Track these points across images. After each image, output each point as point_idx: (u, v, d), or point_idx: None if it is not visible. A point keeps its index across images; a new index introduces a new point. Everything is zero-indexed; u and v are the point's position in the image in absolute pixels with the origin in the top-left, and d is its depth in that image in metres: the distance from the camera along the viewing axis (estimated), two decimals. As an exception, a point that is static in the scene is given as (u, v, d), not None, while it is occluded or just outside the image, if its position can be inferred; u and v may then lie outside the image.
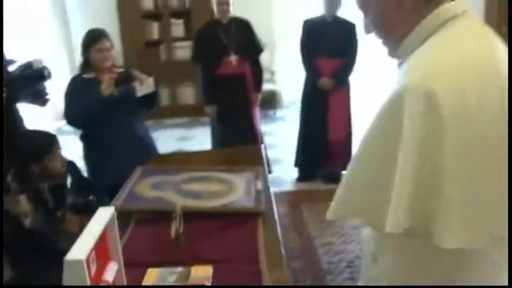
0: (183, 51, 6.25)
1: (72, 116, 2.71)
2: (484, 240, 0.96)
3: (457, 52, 0.97)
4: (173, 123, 6.12)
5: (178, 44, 6.28)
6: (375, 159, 1.00)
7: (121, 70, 2.83)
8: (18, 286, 1.93)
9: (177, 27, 6.26)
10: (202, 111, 6.08)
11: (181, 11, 6.19)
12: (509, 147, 0.96)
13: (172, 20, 6.21)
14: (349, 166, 1.06)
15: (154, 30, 6.24)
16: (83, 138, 2.88)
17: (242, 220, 1.80)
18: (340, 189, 1.08)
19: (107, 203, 2.71)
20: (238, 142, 3.71)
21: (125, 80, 2.75)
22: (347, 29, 3.96)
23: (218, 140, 4.08)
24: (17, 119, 2.83)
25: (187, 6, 6.16)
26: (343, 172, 4.15)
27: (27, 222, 2.02)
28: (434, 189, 0.92)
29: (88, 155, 2.87)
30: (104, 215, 1.11)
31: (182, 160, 2.65)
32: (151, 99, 2.81)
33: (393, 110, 0.95)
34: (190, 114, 6.29)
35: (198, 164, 2.45)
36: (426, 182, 0.92)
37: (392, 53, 1.13)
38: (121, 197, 1.96)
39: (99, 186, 2.80)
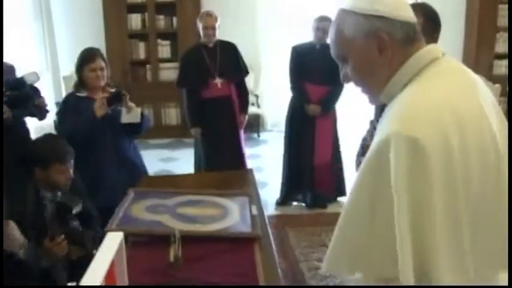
0: (169, 72, 6.27)
1: (65, 134, 2.69)
2: (469, 274, 0.99)
3: (437, 97, 1.02)
4: (157, 143, 6.09)
5: (164, 65, 6.29)
6: (364, 208, 1.01)
7: (114, 90, 2.84)
8: (19, 286, 1.89)
9: (164, 48, 6.28)
10: (187, 133, 6.17)
11: (168, 32, 6.23)
12: (509, 154, 1.04)
13: (159, 41, 6.24)
14: (341, 217, 1.07)
15: (141, 51, 6.26)
16: (75, 159, 2.85)
17: (239, 245, 1.82)
18: (334, 242, 1.09)
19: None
20: (224, 165, 3.74)
21: (116, 99, 2.75)
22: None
23: (203, 162, 4.08)
24: (27, 131, 2.83)
25: (174, 27, 6.20)
26: (330, 196, 4.24)
27: (21, 253, 1.97)
28: (425, 234, 0.95)
29: (76, 176, 2.83)
30: (113, 241, 1.11)
31: (173, 183, 2.65)
32: (134, 129, 2.83)
33: (380, 157, 0.99)
34: (174, 135, 6.28)
35: (190, 188, 2.45)
36: (418, 227, 0.95)
37: (373, 100, 1.18)
38: (116, 219, 1.95)
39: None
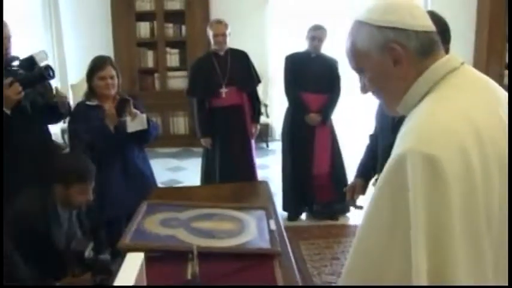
0: (177, 80, 6.23)
1: (83, 143, 2.65)
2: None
3: (454, 109, 0.97)
4: (165, 152, 6.03)
5: (172, 73, 6.26)
6: (382, 225, 0.97)
7: (128, 98, 2.78)
8: (18, 286, 1.84)
9: (172, 57, 6.25)
10: (195, 142, 6.12)
11: (177, 41, 6.20)
12: (509, 150, 0.97)
13: (168, 49, 6.20)
14: (358, 232, 1.03)
15: (149, 59, 6.22)
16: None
17: (258, 261, 1.75)
18: (350, 259, 1.05)
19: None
20: (234, 176, 3.67)
21: (121, 107, 2.69)
22: (330, 65, 3.99)
23: (214, 173, 4.01)
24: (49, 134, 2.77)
25: (183, 35, 6.18)
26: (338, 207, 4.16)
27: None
28: (443, 259, 0.89)
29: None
30: (134, 262, 1.05)
31: (185, 195, 2.59)
32: (142, 137, 2.77)
33: (396, 173, 0.95)
34: (183, 144, 6.23)
35: (203, 200, 2.39)
36: (436, 250, 0.89)
37: (391, 110, 1.14)
38: (129, 233, 1.88)
39: (96, 219, 2.72)
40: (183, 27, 6.16)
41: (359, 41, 1.08)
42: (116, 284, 0.98)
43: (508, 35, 5.56)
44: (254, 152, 4.11)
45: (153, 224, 1.99)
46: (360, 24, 1.09)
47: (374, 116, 2.33)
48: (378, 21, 1.05)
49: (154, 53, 6.21)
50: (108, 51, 5.91)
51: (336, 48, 4.42)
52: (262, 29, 6.33)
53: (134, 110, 2.66)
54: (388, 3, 1.08)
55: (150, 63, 6.24)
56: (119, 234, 2.69)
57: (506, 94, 1.10)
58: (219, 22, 3.83)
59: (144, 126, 2.69)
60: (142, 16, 6.10)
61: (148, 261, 1.74)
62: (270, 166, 5.57)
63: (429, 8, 6.34)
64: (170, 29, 6.18)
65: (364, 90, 1.15)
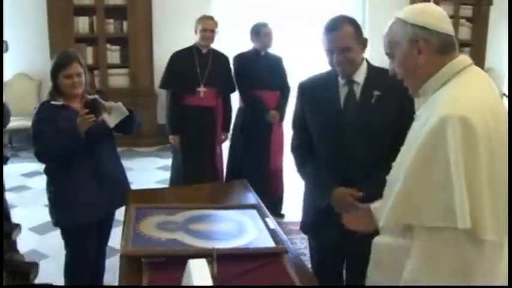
0: (119, 78, 6.02)
1: (44, 154, 2.43)
2: (505, 234, 1.27)
3: (474, 92, 1.31)
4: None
5: (113, 71, 6.02)
6: (428, 171, 1.25)
7: (93, 97, 2.61)
8: (17, 286, 1.69)
9: (113, 54, 6.02)
10: (139, 141, 5.95)
11: (118, 37, 5.97)
12: (509, 149, 1.28)
13: (108, 46, 5.95)
14: (405, 178, 1.29)
15: (89, 56, 5.92)
16: (50, 171, 2.59)
17: (268, 260, 1.73)
18: (395, 198, 1.32)
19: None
20: (199, 179, 3.54)
21: (94, 108, 2.52)
22: (277, 62, 4.04)
23: (178, 173, 3.91)
24: None
25: (124, 32, 5.95)
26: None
27: None
28: (475, 194, 1.20)
29: (55, 191, 2.58)
30: (200, 267, 1.00)
31: (166, 197, 2.51)
32: (128, 124, 2.55)
33: (437, 134, 1.23)
34: (126, 144, 6.00)
35: (186, 202, 2.32)
36: (470, 187, 1.20)
37: (413, 92, 1.44)
38: (128, 239, 1.79)
39: (67, 225, 2.56)
40: (125, 23, 5.95)
41: (395, 33, 1.40)
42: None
43: (508, 35, 5.89)
44: (221, 158, 4.05)
45: (150, 228, 1.91)
46: (398, 20, 1.40)
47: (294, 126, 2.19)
48: (411, 19, 1.38)
49: (94, 50, 5.93)
50: (44, 46, 5.59)
51: (280, 46, 4.52)
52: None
53: (107, 103, 2.49)
54: (420, 7, 1.41)
55: (90, 60, 5.93)
56: (93, 240, 2.59)
57: (497, 90, 1.41)
58: (209, 18, 3.75)
59: (125, 112, 2.49)
60: (81, 10, 5.81)
61: (153, 267, 1.69)
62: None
63: (367, 10, 6.64)
64: (111, 25, 5.95)
65: (392, 72, 1.46)
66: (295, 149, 2.14)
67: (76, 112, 2.45)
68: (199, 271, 0.99)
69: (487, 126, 1.23)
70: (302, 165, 2.09)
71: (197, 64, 3.76)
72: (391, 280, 1.37)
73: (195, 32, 3.78)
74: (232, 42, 6.17)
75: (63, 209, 2.55)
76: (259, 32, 3.90)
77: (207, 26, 3.71)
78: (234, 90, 4.01)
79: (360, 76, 1.92)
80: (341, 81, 1.95)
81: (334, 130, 1.94)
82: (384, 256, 1.44)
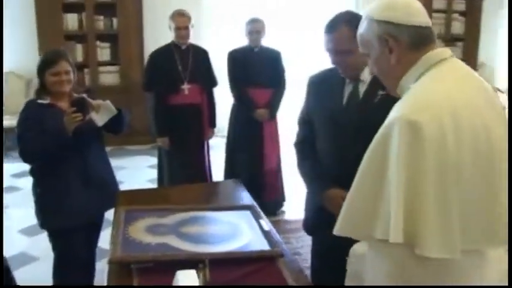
0: (110, 76, 5.93)
1: (29, 154, 2.36)
2: (457, 252, 1.12)
3: (437, 89, 1.19)
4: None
5: (104, 68, 5.93)
6: (370, 179, 1.20)
7: (81, 95, 2.54)
8: (17, 286, 1.63)
9: (103, 51, 5.91)
10: (132, 139, 5.87)
11: (108, 34, 5.87)
12: (509, 149, 1.19)
13: (98, 43, 5.86)
14: (352, 186, 1.25)
15: (78, 53, 5.82)
16: (36, 173, 2.51)
17: (263, 264, 1.68)
18: (345, 208, 1.26)
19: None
20: (186, 180, 3.49)
21: (81, 107, 2.46)
22: (273, 58, 3.95)
23: (168, 173, 3.84)
24: None
25: (114, 28, 5.86)
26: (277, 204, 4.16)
27: None
28: (416, 205, 1.11)
29: (41, 193, 2.50)
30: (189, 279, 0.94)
31: (156, 198, 2.45)
32: (116, 123, 2.48)
33: (385, 136, 1.17)
34: (117, 142, 5.92)
35: (177, 203, 2.27)
36: (411, 198, 1.10)
37: (391, 90, 1.36)
38: (117, 244, 1.73)
39: (54, 228, 2.49)
40: (115, 20, 5.85)
41: (364, 31, 1.32)
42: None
43: (508, 36, 5.85)
44: (208, 157, 3.98)
45: (139, 232, 1.85)
46: (366, 18, 1.32)
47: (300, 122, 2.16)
48: (377, 16, 1.28)
49: (83, 47, 5.83)
50: (32, 44, 5.49)
51: (277, 40, 4.45)
52: (197, 22, 6.15)
53: (95, 101, 2.41)
54: (389, 2, 1.29)
55: (80, 58, 5.83)
56: (81, 242, 2.52)
57: (484, 84, 1.29)
58: (181, 14, 3.64)
59: (114, 111, 2.43)
60: (70, 7, 5.70)
61: (142, 272, 1.64)
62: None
63: (360, 8, 6.58)
64: (101, 22, 5.84)
65: (371, 71, 1.42)
66: (297, 144, 2.11)
67: (63, 111, 2.38)
68: (188, 282, 0.93)
69: (442, 128, 1.11)
70: (301, 161, 2.05)
71: (178, 61, 3.67)
72: None
73: (169, 29, 3.68)
74: (221, 39, 6.13)
75: (49, 212, 2.48)
76: (247, 28, 3.84)
77: (180, 24, 3.61)
78: (216, 85, 3.93)
79: (367, 75, 1.85)
80: (347, 79, 1.89)
81: (334, 128, 1.89)
82: (359, 267, 1.38)
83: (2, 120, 2.20)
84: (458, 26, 6.69)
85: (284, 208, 4.24)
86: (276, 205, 4.17)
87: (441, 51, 1.27)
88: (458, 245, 1.12)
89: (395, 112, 1.18)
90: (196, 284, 0.92)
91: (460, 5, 6.71)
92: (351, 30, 1.75)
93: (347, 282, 1.46)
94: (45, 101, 2.44)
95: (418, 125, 1.10)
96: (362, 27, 1.34)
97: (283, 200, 4.22)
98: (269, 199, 4.06)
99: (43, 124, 2.37)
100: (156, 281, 1.58)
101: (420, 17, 1.27)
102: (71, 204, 2.44)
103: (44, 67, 2.43)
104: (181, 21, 3.61)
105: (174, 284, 0.94)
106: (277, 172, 4.14)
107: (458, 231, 1.12)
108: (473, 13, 6.68)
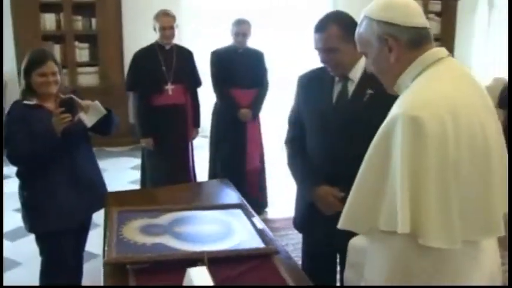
0: (89, 77, 5.85)
1: (18, 157, 2.31)
2: (457, 242, 1.18)
3: (435, 88, 1.23)
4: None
5: (83, 69, 5.84)
6: (373, 174, 1.24)
7: (68, 96, 2.50)
8: (18, 287, 1.60)
9: (82, 52, 5.83)
10: (110, 141, 5.79)
11: (87, 35, 5.79)
12: (508, 148, 1.27)
13: (77, 44, 5.77)
14: (356, 180, 1.28)
15: (57, 54, 5.71)
16: (23, 175, 2.45)
17: (258, 262, 1.69)
18: (348, 203, 1.30)
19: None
20: (170, 181, 3.45)
21: (70, 107, 2.42)
22: (256, 59, 3.97)
23: (151, 173, 3.81)
24: None
25: (93, 29, 5.78)
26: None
27: None
28: (419, 198, 1.15)
29: (29, 196, 2.45)
30: (201, 275, 0.95)
31: (146, 198, 2.43)
32: (105, 124, 2.44)
33: (387, 132, 1.21)
34: (97, 144, 5.82)
35: (167, 203, 2.26)
36: (415, 192, 1.15)
37: (388, 88, 1.39)
38: (112, 245, 1.71)
39: (43, 231, 2.44)
40: (94, 20, 5.77)
41: (364, 31, 1.35)
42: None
43: (508, 35, 5.91)
44: (192, 157, 3.97)
45: (133, 232, 1.84)
46: (365, 18, 1.35)
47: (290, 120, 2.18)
48: (378, 16, 1.31)
49: (62, 48, 5.73)
50: (8, 45, 5.37)
51: (260, 41, 4.47)
52: (177, 22, 6.13)
53: (84, 102, 2.38)
54: (388, 2, 1.32)
55: (58, 59, 5.70)
56: (69, 246, 2.48)
57: (477, 83, 1.34)
58: (166, 14, 3.60)
59: (103, 111, 2.39)
60: (47, 7, 5.60)
61: (139, 273, 1.63)
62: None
63: (338, 7, 6.65)
64: (79, 22, 5.76)
65: (368, 69, 1.44)
66: (287, 142, 2.13)
67: (50, 112, 2.35)
68: (201, 280, 0.94)
69: (442, 125, 1.15)
70: (292, 159, 2.07)
71: (162, 62, 3.65)
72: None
73: (154, 29, 3.66)
74: (201, 38, 6.11)
75: (37, 215, 2.43)
76: (233, 30, 3.83)
77: (165, 24, 3.59)
78: (200, 85, 3.93)
79: (356, 74, 1.88)
80: (336, 77, 1.92)
81: (324, 126, 1.91)
82: (359, 259, 1.41)
83: (2, 121, 2.16)
84: (434, 26, 6.82)
85: (267, 208, 4.26)
86: (258, 205, 4.18)
87: (438, 50, 1.31)
88: (458, 236, 1.17)
89: (397, 108, 1.22)
90: (209, 280, 0.93)
91: (436, 6, 6.87)
92: (340, 29, 1.82)
93: (346, 273, 1.49)
94: (32, 102, 2.39)
95: (419, 120, 1.14)
96: (361, 27, 1.36)
97: (266, 202, 4.23)
98: (252, 198, 4.07)
99: (30, 126, 2.33)
100: (153, 282, 1.58)
101: (418, 17, 1.31)
102: (60, 207, 2.40)
103: (30, 67, 2.37)
104: (166, 21, 3.58)
105: (187, 281, 0.94)
106: (260, 172, 4.15)
107: (458, 223, 1.17)
108: (448, 13, 6.83)
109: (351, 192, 1.30)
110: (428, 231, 1.15)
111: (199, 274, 0.96)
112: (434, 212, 1.15)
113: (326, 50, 1.84)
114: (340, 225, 1.31)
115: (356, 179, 1.29)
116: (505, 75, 4.73)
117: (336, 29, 1.82)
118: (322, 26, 1.85)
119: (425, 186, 1.15)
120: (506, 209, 1.29)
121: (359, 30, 1.37)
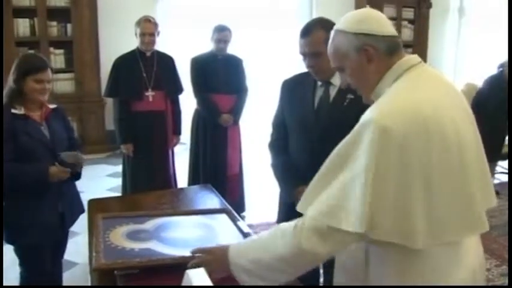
0: (64, 83, 5.78)
1: (5, 175, 2.25)
2: (419, 244, 1.21)
3: (407, 98, 1.28)
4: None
5: (58, 76, 5.73)
6: (334, 166, 1.30)
7: (54, 106, 2.48)
8: (18, 287, 1.55)
9: (57, 58, 5.75)
10: (89, 148, 5.71)
11: (62, 41, 5.71)
12: (509, 147, 1.35)
13: (52, 50, 5.68)
14: (320, 171, 1.35)
15: (31, 60, 5.63)
16: (5, 187, 2.39)
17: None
18: (310, 188, 1.36)
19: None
20: (150, 187, 3.45)
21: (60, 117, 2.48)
22: (235, 65, 4.01)
23: (131, 179, 3.78)
24: None
25: (69, 35, 5.71)
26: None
27: None
28: (380, 201, 1.19)
29: (8, 208, 2.38)
30: (200, 277, 0.96)
31: (129, 204, 2.42)
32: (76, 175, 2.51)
33: (356, 135, 1.26)
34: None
35: (150, 208, 2.26)
36: (376, 194, 1.19)
37: (366, 99, 1.42)
38: (100, 251, 1.70)
39: (23, 244, 2.39)
40: (69, 26, 5.71)
41: (340, 45, 1.38)
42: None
43: (508, 35, 5.98)
44: (172, 164, 3.96)
45: (120, 238, 1.82)
46: (339, 32, 1.39)
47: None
48: (354, 29, 1.36)
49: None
50: (-19, 51, 5.25)
51: (238, 47, 4.50)
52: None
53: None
54: (360, 15, 1.39)
55: (32, 65, 5.63)
56: (49, 256, 2.44)
57: (454, 87, 1.41)
58: (147, 20, 3.60)
59: (80, 165, 2.46)
60: (21, 12, 5.51)
61: (127, 279, 1.62)
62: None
63: (314, 11, 6.75)
64: (54, 28, 5.68)
65: (345, 84, 1.49)
66: (270, 145, 2.17)
67: (37, 124, 2.33)
68: (200, 281, 0.95)
69: (410, 133, 1.20)
70: (275, 161, 2.11)
71: (142, 68, 3.65)
72: (354, 282, 1.43)
73: (135, 35, 3.66)
74: (178, 43, 6.09)
75: (17, 228, 2.38)
76: (214, 36, 3.86)
77: (146, 30, 3.58)
78: (181, 92, 3.94)
79: (338, 79, 1.92)
80: (319, 82, 1.96)
81: (305, 130, 1.95)
82: (346, 259, 1.46)
83: (2, 121, 2.10)
84: (407, 33, 7.01)
85: (245, 213, 4.27)
86: (237, 210, 4.18)
87: (410, 58, 1.38)
88: (421, 239, 1.21)
89: (370, 113, 1.27)
90: (208, 281, 0.94)
91: (409, 13, 7.05)
92: (326, 33, 1.85)
93: (336, 275, 1.51)
94: (20, 111, 2.32)
95: (387, 129, 1.19)
96: (335, 41, 1.40)
97: (243, 207, 4.24)
98: (233, 203, 4.07)
99: (17, 138, 2.28)
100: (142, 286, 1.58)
101: (390, 27, 1.39)
102: (40, 222, 2.36)
103: (27, 72, 2.30)
104: (146, 27, 3.58)
105: (185, 282, 0.95)
106: (238, 178, 4.17)
107: (426, 226, 1.21)
108: (420, 21, 7.02)
109: (314, 178, 1.36)
110: (380, 232, 1.21)
111: (197, 275, 0.97)
112: (394, 215, 1.20)
113: (312, 54, 1.88)
114: (298, 207, 1.38)
115: (319, 170, 1.35)
116: (476, 80, 4.88)
117: (322, 33, 1.86)
118: (308, 30, 1.89)
119: (385, 190, 1.19)
120: (491, 204, 1.33)
121: (334, 44, 1.41)
